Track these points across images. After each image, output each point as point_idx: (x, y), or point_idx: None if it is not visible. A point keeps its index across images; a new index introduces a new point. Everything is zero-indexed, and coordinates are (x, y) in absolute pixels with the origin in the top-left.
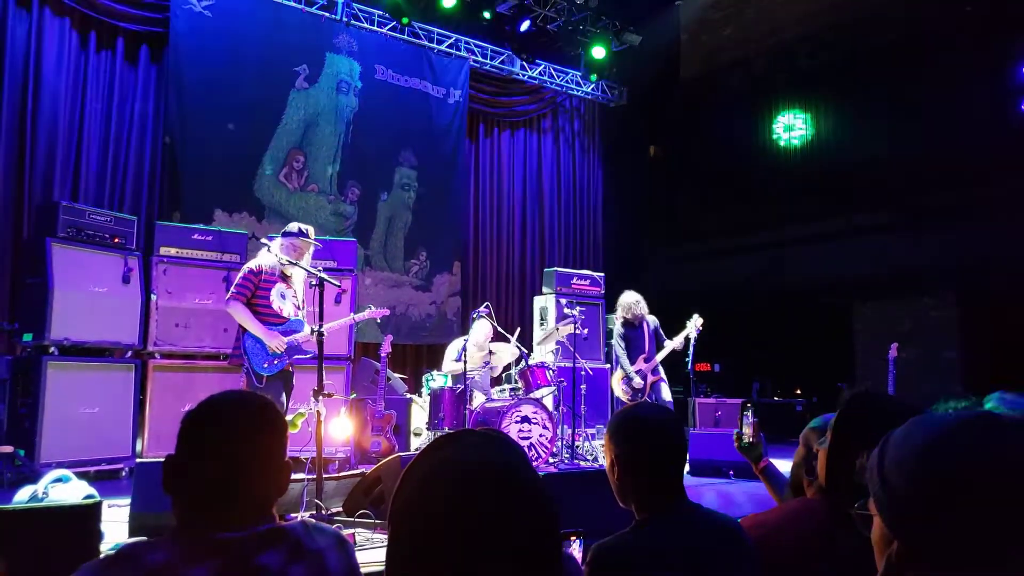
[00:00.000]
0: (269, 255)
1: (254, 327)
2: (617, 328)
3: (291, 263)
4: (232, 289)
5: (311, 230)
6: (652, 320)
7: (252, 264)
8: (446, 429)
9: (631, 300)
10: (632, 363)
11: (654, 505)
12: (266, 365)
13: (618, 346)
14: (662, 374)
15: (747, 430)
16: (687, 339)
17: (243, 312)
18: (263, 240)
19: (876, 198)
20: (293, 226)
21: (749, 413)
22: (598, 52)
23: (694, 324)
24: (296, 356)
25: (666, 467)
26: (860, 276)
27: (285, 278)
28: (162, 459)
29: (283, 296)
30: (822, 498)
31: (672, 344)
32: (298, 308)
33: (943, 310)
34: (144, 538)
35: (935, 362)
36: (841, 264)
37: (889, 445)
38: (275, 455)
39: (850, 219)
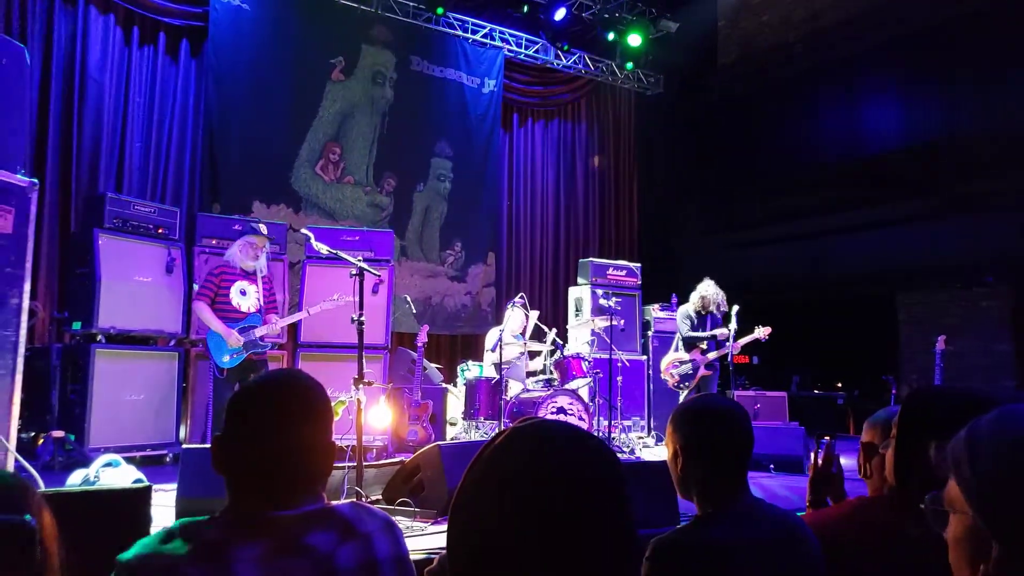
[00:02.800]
0: (229, 253)
1: (214, 325)
2: (685, 311)
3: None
4: (197, 290)
5: (263, 227)
6: (719, 314)
7: (214, 266)
8: (482, 419)
9: (711, 292)
10: (690, 351)
11: (717, 498)
12: (226, 359)
13: (684, 327)
14: (717, 369)
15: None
16: (752, 341)
17: (205, 311)
18: (303, 231)
19: (925, 185)
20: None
21: (824, 447)
22: (634, 40)
23: (762, 331)
24: (256, 349)
25: (732, 459)
26: (906, 265)
27: (247, 274)
28: (207, 445)
29: (243, 293)
30: (887, 495)
31: (733, 346)
32: (260, 302)
33: (995, 301)
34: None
35: (986, 355)
36: (886, 253)
37: (980, 434)
38: (322, 434)
39: (896, 207)
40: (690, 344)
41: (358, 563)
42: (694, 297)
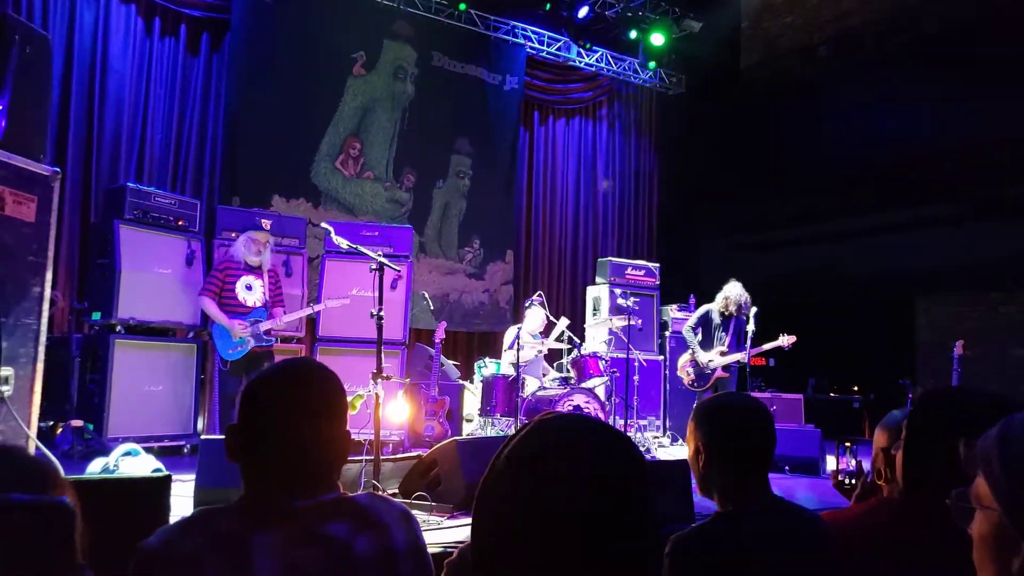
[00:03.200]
0: (234, 249)
1: (219, 318)
2: (704, 309)
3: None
4: (203, 285)
5: (267, 223)
6: (743, 317)
7: (219, 261)
8: (498, 416)
9: (734, 293)
10: (708, 351)
11: (738, 496)
12: (230, 351)
13: (690, 324)
14: (735, 372)
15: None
16: (774, 348)
17: (210, 305)
18: (323, 225)
19: (943, 189)
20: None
21: (848, 455)
22: (657, 39)
23: (786, 339)
24: (261, 343)
25: (753, 457)
26: (923, 270)
27: (252, 269)
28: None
29: (249, 288)
30: (898, 498)
31: (752, 351)
32: (265, 296)
33: (1014, 306)
34: (217, 505)
35: (1004, 360)
36: (903, 257)
37: (1014, 431)
38: (337, 423)
39: (914, 210)
40: (706, 344)
41: (375, 553)
42: (719, 297)
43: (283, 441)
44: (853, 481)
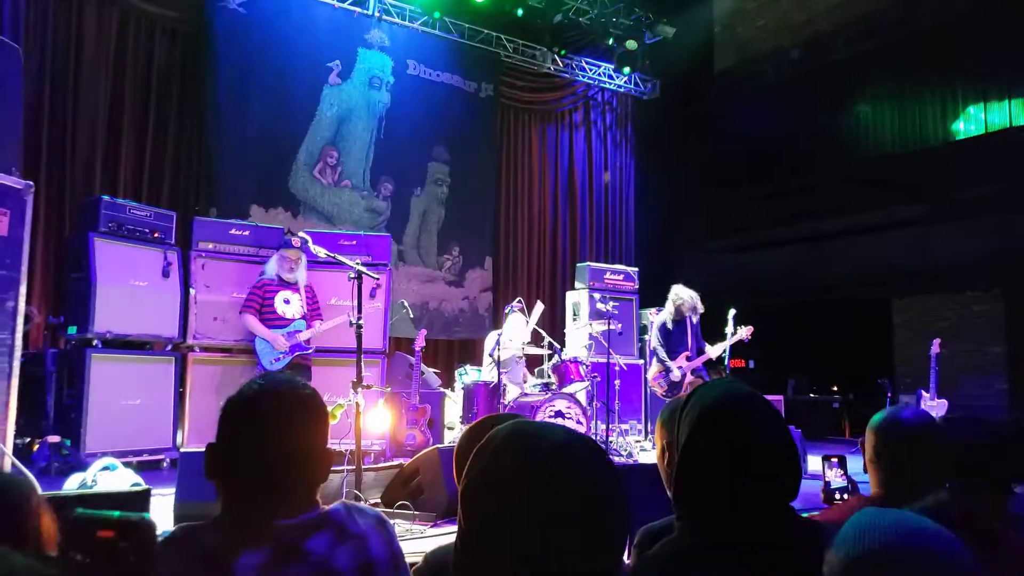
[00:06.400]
0: (269, 266)
1: (261, 332)
2: (660, 320)
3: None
4: (243, 302)
5: (296, 239)
6: (696, 318)
7: (258, 278)
8: None
9: (686, 296)
10: (674, 359)
11: None
12: (273, 361)
13: (656, 339)
14: (705, 374)
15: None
16: (736, 342)
17: (252, 321)
18: (300, 234)
19: (917, 190)
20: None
21: (838, 468)
22: (631, 45)
23: (744, 331)
24: (301, 352)
25: None
26: (900, 269)
27: (288, 285)
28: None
29: (287, 301)
30: (879, 496)
31: (719, 348)
32: (303, 309)
33: (988, 304)
34: (197, 522)
35: (980, 357)
36: (880, 257)
37: (835, 544)
38: (317, 441)
39: (890, 211)
40: (669, 354)
41: (355, 564)
42: (669, 306)
43: (263, 459)
44: (847, 497)
